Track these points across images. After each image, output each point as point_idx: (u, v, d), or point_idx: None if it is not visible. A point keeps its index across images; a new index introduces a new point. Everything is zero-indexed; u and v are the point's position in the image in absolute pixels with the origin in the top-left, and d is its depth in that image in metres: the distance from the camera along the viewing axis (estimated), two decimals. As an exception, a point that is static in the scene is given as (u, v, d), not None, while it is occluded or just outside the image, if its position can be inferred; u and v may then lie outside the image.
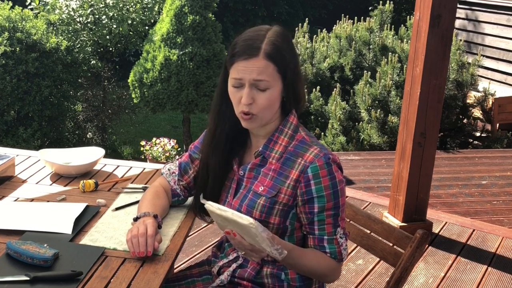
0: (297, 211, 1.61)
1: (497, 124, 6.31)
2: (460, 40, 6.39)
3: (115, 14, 7.96)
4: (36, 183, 2.10)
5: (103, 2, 8.02)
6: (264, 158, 1.63)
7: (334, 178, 1.57)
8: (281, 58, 1.55)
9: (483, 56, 6.93)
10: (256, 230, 1.42)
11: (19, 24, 7.00)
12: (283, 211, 1.60)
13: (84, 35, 8.10)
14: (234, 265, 1.69)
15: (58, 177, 2.17)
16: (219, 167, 1.68)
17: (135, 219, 1.66)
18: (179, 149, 6.53)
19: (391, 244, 1.82)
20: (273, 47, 1.54)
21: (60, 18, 7.91)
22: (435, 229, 3.64)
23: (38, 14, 7.85)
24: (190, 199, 1.88)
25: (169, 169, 1.84)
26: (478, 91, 6.42)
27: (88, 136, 8.24)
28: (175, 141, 6.52)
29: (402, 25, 7.17)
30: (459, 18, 8.56)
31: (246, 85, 1.54)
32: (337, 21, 7.35)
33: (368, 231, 1.91)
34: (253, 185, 1.63)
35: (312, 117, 6.43)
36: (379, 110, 5.76)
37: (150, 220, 1.62)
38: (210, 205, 1.49)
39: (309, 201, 1.57)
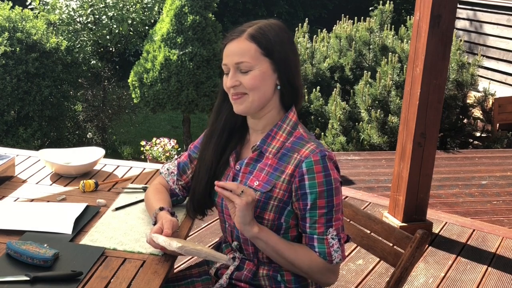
0: (293, 207, 1.60)
1: (497, 124, 6.31)
2: (460, 40, 6.39)
3: (115, 14, 7.96)
4: (36, 183, 2.11)
5: (103, 2, 8.02)
6: (261, 153, 1.64)
7: (329, 176, 1.55)
8: (265, 39, 1.58)
9: (483, 56, 6.92)
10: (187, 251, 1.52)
11: (19, 24, 6.99)
12: (278, 207, 1.59)
13: (84, 35, 8.09)
14: (231, 267, 1.69)
15: (58, 177, 2.17)
16: (214, 163, 1.68)
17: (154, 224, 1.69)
18: (179, 149, 6.52)
19: (391, 244, 1.82)
20: (257, 29, 1.59)
21: (60, 18, 7.91)
22: (435, 229, 3.64)
23: (38, 14, 7.84)
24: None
25: (168, 169, 1.84)
26: (478, 91, 6.42)
27: (88, 136, 8.23)
28: (175, 141, 6.52)
29: (402, 25, 7.16)
30: (459, 18, 8.56)
31: (231, 69, 1.59)
32: (337, 21, 7.34)
33: (368, 231, 1.91)
34: (248, 180, 1.63)
35: (312, 117, 6.42)
36: (379, 110, 5.76)
37: (162, 214, 1.66)
38: (157, 238, 1.54)
39: (302, 196, 1.56)
